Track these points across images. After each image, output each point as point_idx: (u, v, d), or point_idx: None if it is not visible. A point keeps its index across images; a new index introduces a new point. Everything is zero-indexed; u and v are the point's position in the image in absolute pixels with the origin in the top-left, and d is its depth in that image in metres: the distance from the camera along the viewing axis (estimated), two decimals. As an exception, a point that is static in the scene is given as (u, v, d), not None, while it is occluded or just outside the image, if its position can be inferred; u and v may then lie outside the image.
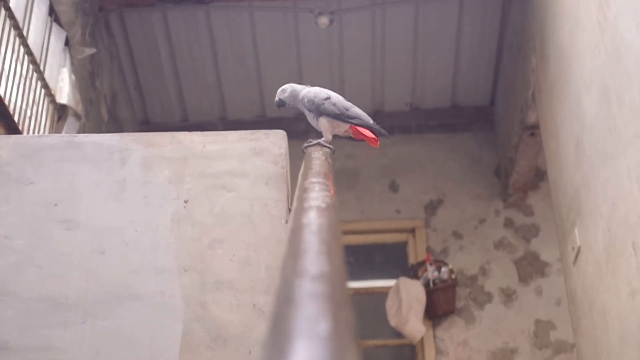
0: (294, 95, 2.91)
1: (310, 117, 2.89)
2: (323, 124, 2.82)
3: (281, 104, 2.95)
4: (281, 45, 6.64)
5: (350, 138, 2.95)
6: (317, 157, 2.39)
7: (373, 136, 2.86)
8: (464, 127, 7.31)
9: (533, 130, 5.80)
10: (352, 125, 2.85)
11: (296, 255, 0.97)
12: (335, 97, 2.87)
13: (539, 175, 6.78)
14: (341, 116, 2.82)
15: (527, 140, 5.97)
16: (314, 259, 0.93)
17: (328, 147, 2.73)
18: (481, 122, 7.31)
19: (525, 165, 6.39)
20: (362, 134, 2.86)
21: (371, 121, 2.88)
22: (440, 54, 6.78)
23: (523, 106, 5.76)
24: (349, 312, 0.79)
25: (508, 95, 6.48)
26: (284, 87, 2.95)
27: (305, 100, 2.84)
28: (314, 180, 1.81)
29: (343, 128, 2.85)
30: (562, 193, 4.62)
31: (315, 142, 2.76)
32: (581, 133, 4.02)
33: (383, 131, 2.88)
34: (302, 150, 2.73)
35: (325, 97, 2.83)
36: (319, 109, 2.81)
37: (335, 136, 2.87)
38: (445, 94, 7.18)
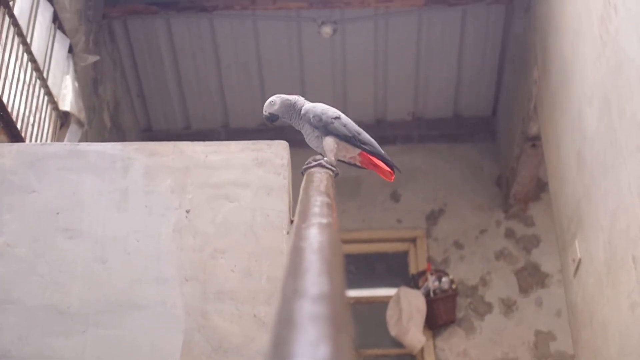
0: (287, 106, 2.64)
1: (311, 135, 2.61)
2: (328, 144, 2.55)
3: (273, 118, 2.65)
4: (284, 54, 6.66)
5: (354, 165, 2.71)
6: (320, 175, 2.21)
7: (387, 168, 2.64)
8: (466, 138, 7.32)
9: (534, 141, 5.81)
10: (363, 152, 2.63)
11: (297, 274, 0.97)
12: (345, 118, 2.62)
13: (540, 187, 6.79)
14: (352, 139, 2.58)
15: (529, 151, 5.98)
16: (315, 280, 0.93)
17: (331, 169, 2.44)
18: (483, 133, 7.32)
19: (526, 176, 6.40)
20: (373, 163, 2.65)
21: (383, 151, 2.65)
22: (443, 65, 6.80)
23: (525, 117, 5.77)
24: (349, 334, 0.80)
25: (510, 106, 6.49)
26: (271, 99, 2.66)
27: (311, 116, 2.57)
28: (316, 196, 1.71)
29: (351, 153, 2.62)
30: (563, 204, 4.62)
31: (316, 163, 2.47)
32: (582, 145, 4.03)
33: (396, 167, 2.66)
34: (301, 173, 2.45)
35: (335, 116, 2.58)
36: (327, 128, 2.55)
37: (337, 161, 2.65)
38: (448, 104, 7.20)
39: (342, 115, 2.62)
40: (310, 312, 0.79)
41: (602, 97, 3.64)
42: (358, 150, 2.62)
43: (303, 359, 0.68)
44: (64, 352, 2.50)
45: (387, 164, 2.65)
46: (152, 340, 2.53)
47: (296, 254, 1.12)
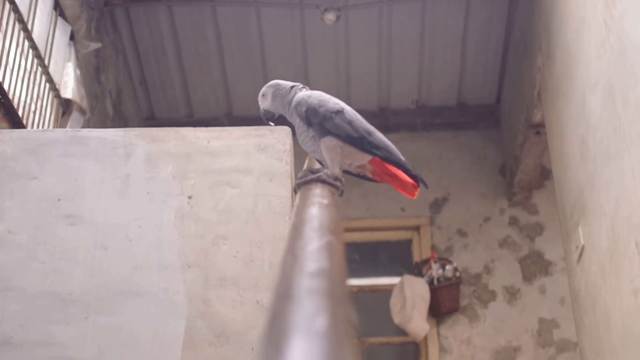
0: (280, 96, 2.11)
1: (305, 134, 2.02)
2: (328, 149, 1.94)
3: (268, 115, 2.16)
4: (287, 41, 6.64)
5: (363, 177, 2.09)
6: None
7: (410, 180, 2.03)
8: (470, 125, 7.30)
9: (538, 128, 5.78)
10: (376, 159, 2.00)
11: (296, 250, 0.97)
12: (351, 112, 2.01)
13: (544, 174, 6.77)
14: (360, 142, 1.96)
15: (533, 138, 5.96)
16: (314, 256, 0.93)
17: (333, 185, 1.84)
18: (487, 121, 7.30)
19: (530, 164, 6.38)
20: (390, 174, 2.03)
21: (403, 158, 2.03)
22: (447, 52, 6.77)
23: (528, 105, 5.75)
24: (347, 308, 0.79)
25: (514, 93, 6.47)
26: (263, 90, 2.16)
27: (304, 109, 1.98)
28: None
29: (359, 160, 1.99)
30: (566, 192, 4.61)
31: (313, 176, 1.85)
32: (586, 132, 4.01)
33: (423, 179, 2.06)
34: (294, 190, 1.88)
35: (336, 109, 1.97)
36: (324, 125, 1.94)
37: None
38: (451, 92, 7.17)
39: (347, 108, 2.01)
40: (308, 287, 0.79)
41: (606, 83, 3.62)
42: (369, 157, 1.98)
43: (299, 331, 0.67)
44: (65, 339, 2.49)
45: (409, 175, 2.03)
46: (153, 327, 2.52)
47: (296, 231, 1.11)
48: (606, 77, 3.63)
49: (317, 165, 2.05)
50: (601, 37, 3.68)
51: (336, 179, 1.86)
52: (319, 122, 1.95)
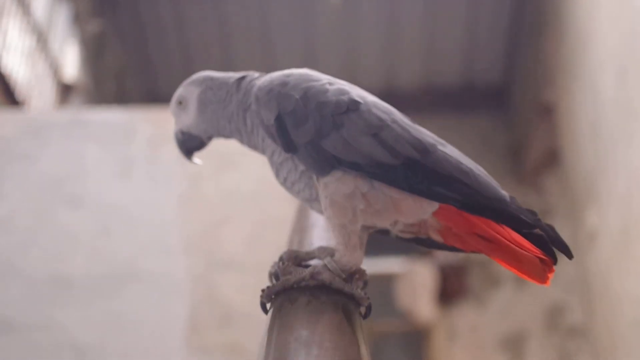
0: (216, 102, 1.22)
1: (284, 166, 1.14)
2: (336, 200, 1.06)
3: (190, 144, 1.28)
4: (293, 22, 6.56)
5: (420, 242, 1.15)
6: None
7: (535, 251, 1.08)
8: (478, 108, 7.23)
9: (548, 110, 5.71)
10: (451, 208, 1.08)
11: (303, 230, 0.93)
12: (377, 104, 1.11)
13: (554, 156, 6.70)
14: (412, 173, 1.07)
15: (542, 120, 5.89)
16: (321, 234, 0.90)
17: (348, 297, 1.03)
18: (496, 103, 7.23)
19: (540, 145, 6.31)
20: (491, 236, 1.09)
21: (519, 206, 1.10)
22: (455, 34, 6.69)
23: (538, 87, 5.68)
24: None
25: (523, 75, 6.40)
26: (180, 93, 1.27)
27: (272, 115, 1.11)
28: None
29: (411, 213, 1.08)
30: (577, 174, 4.55)
31: (298, 276, 1.03)
32: (597, 113, 3.95)
33: (565, 245, 1.10)
34: (261, 305, 1.05)
35: (353, 101, 1.09)
36: (322, 146, 1.07)
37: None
38: (459, 74, 7.10)
39: (364, 96, 1.12)
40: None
41: (618, 64, 3.55)
42: (433, 205, 1.08)
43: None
44: (67, 323, 2.46)
45: (530, 240, 1.08)
46: (157, 310, 2.49)
47: (302, 211, 1.08)
48: (618, 57, 3.56)
49: (311, 242, 1.18)
50: (613, 15, 3.61)
51: (354, 276, 1.05)
52: (310, 139, 1.06)
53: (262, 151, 1.16)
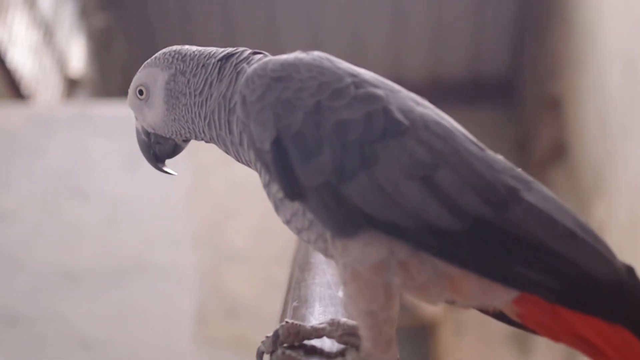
0: (188, 93, 0.97)
1: (286, 207, 0.87)
2: (360, 277, 0.76)
3: (158, 150, 1.04)
4: (300, 9, 6.55)
5: (498, 316, 0.98)
6: None
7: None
8: (485, 100, 7.21)
9: (555, 103, 5.70)
10: (581, 316, 0.78)
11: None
12: (441, 124, 0.93)
13: (561, 149, 6.68)
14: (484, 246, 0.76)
15: (549, 113, 5.87)
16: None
17: None
18: (502, 95, 7.21)
19: (546, 138, 6.29)
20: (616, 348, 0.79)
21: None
22: (461, 26, 6.67)
23: (545, 79, 5.66)
24: None
25: (530, 67, 6.38)
26: (139, 79, 1.04)
27: (266, 143, 0.81)
28: None
29: (489, 299, 0.87)
30: (584, 166, 4.53)
31: None
32: (605, 106, 3.93)
33: None
34: None
35: (394, 120, 0.80)
36: (343, 193, 0.76)
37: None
38: (466, 66, 7.08)
39: (418, 111, 0.89)
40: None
41: (626, 56, 3.53)
42: (513, 293, 0.84)
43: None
44: (74, 315, 2.46)
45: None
46: (164, 303, 2.49)
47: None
48: (625, 49, 3.54)
49: (315, 315, 0.91)
50: (621, 7, 3.59)
51: None
52: (326, 181, 0.77)
53: (257, 171, 0.85)
